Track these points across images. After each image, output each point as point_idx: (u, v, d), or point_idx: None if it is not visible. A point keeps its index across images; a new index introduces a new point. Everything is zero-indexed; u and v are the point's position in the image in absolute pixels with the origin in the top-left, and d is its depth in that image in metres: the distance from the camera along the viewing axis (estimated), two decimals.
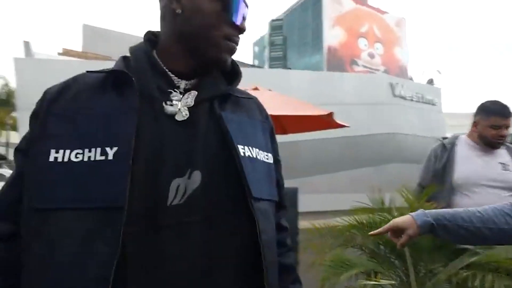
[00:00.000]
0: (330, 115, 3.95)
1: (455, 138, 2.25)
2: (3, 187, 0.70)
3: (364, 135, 9.91)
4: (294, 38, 51.27)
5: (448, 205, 1.97)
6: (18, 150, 0.70)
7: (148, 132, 0.64)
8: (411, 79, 25.76)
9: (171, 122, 0.67)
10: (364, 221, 1.98)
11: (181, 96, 0.70)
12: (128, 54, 0.75)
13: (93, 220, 0.58)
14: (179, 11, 0.69)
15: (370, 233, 1.33)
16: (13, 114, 19.53)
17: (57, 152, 0.62)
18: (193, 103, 0.70)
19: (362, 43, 47.60)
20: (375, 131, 10.18)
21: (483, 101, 2.11)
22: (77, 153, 0.61)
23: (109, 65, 0.73)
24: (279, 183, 0.86)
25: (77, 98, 0.67)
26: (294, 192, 3.99)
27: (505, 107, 2.05)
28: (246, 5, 0.74)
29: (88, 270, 0.56)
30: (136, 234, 0.59)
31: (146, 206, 0.61)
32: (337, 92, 10.04)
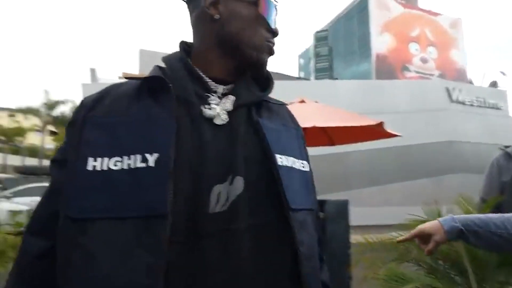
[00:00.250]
0: (380, 124, 3.84)
1: None
2: (41, 200, 0.69)
3: (419, 144, 9.38)
4: (340, 48, 50.52)
5: None
6: (54, 161, 0.69)
7: (187, 137, 0.63)
8: (470, 82, 23.97)
9: (210, 126, 0.66)
10: None
11: (219, 100, 0.69)
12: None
13: (135, 229, 0.56)
14: (217, 16, 0.70)
15: (397, 240, 1.29)
16: None
17: (95, 160, 0.60)
18: (231, 107, 0.69)
19: (413, 47, 45.43)
20: (431, 139, 9.57)
21: None
22: (116, 161, 0.60)
23: None
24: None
25: (114, 105, 0.66)
26: (344, 204, 3.90)
27: None
28: (276, 11, 0.76)
29: (133, 281, 0.54)
30: (177, 242, 0.57)
31: (187, 213, 0.59)
32: (388, 101, 9.67)
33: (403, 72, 43.51)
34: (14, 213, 5.86)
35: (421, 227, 1.18)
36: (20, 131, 32.42)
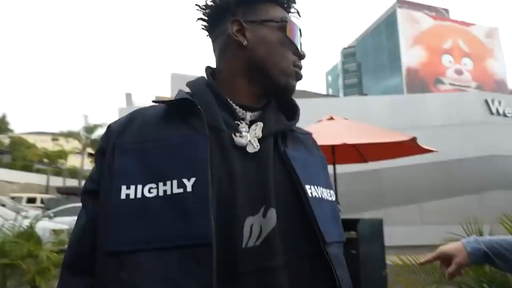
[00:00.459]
0: (413, 140, 3.72)
1: None
2: (75, 235, 0.66)
3: (458, 159, 8.91)
4: (369, 63, 49.90)
5: None
6: (86, 192, 0.66)
7: (218, 164, 0.60)
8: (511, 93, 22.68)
9: (240, 155, 0.63)
10: None
11: (248, 128, 0.67)
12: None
13: (180, 259, 0.53)
14: (245, 43, 0.69)
15: (419, 262, 1.21)
16: None
17: (128, 188, 0.57)
18: (261, 134, 0.67)
19: (446, 59, 44.03)
20: (470, 154, 9.07)
21: None
22: (151, 188, 0.57)
23: None
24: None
25: (143, 130, 0.64)
26: (379, 223, 3.77)
27: None
28: (301, 34, 0.76)
29: None
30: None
31: (221, 246, 0.54)
32: (421, 115, 9.35)
33: (436, 85, 42.08)
34: (56, 231, 6.17)
35: (443, 248, 1.10)
36: (62, 154, 34.53)
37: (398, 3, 45.67)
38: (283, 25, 0.72)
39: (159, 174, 0.58)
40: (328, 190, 0.73)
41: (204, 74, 0.76)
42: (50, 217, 9.81)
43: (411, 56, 42.92)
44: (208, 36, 0.77)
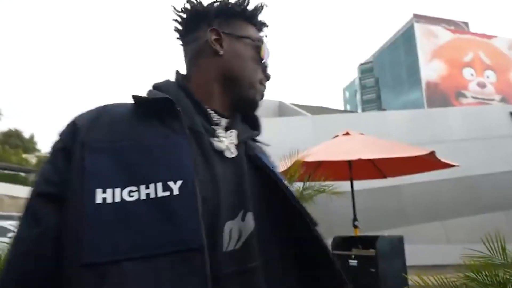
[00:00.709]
0: (432, 154, 3.63)
1: None
2: (19, 253, 0.54)
3: (482, 174, 8.56)
4: (387, 78, 49.48)
5: None
6: (41, 195, 0.56)
7: (201, 167, 0.59)
8: None
9: (219, 159, 0.63)
10: (486, 277, 1.70)
11: (225, 133, 0.68)
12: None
13: (170, 267, 0.50)
14: (221, 52, 0.71)
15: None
16: None
17: (104, 192, 0.52)
18: (237, 142, 0.68)
19: (467, 73, 43.11)
20: (496, 169, 8.70)
21: None
22: (130, 191, 0.52)
23: None
24: None
25: (115, 128, 0.59)
26: (398, 240, 3.64)
27: None
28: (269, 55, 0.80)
29: None
30: None
31: (208, 254, 0.53)
32: (442, 129, 9.11)
33: (458, 99, 41.10)
34: None
35: None
36: None
37: (415, 17, 45.49)
38: (258, 45, 0.75)
39: (139, 177, 0.54)
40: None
41: (171, 78, 0.74)
42: None
43: (430, 70, 42.30)
44: (179, 39, 0.78)
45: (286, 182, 0.70)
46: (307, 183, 3.85)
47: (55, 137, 0.62)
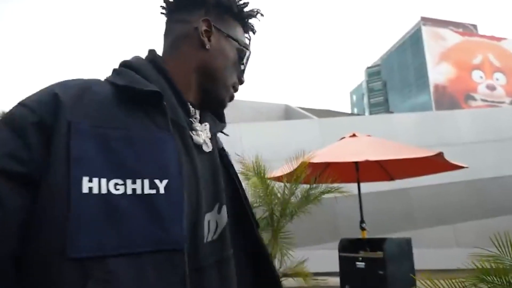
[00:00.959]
0: (440, 155, 3.59)
1: None
2: None
3: (493, 177, 8.44)
4: (395, 81, 49.20)
5: None
6: (4, 172, 0.48)
7: (185, 163, 0.58)
8: None
9: (197, 152, 0.64)
10: (495, 277, 1.67)
11: (201, 126, 0.68)
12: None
13: (153, 266, 0.49)
14: (208, 46, 0.70)
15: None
16: None
17: (90, 181, 0.48)
18: (210, 135, 0.69)
19: (476, 75, 42.66)
20: (505, 172, 8.58)
21: None
22: (116, 184, 0.50)
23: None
24: None
25: (100, 110, 0.54)
26: (406, 242, 3.60)
27: None
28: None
29: None
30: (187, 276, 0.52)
31: (190, 244, 0.55)
32: (450, 132, 9.02)
33: (467, 102, 40.66)
34: None
35: None
36: None
37: (423, 20, 45.25)
38: (242, 50, 0.75)
39: (126, 170, 0.51)
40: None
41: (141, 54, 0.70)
42: None
43: (438, 73, 41.96)
44: (164, 10, 0.74)
45: (242, 184, 0.76)
46: (313, 185, 3.84)
47: (18, 103, 0.53)
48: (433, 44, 43.58)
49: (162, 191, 0.52)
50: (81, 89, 0.55)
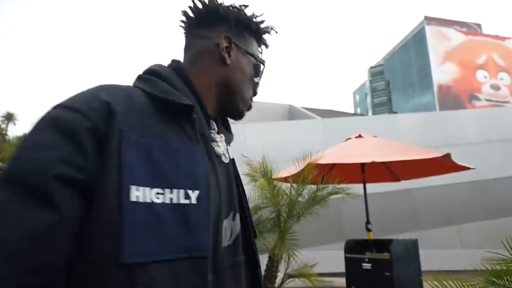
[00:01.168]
0: (447, 156, 3.58)
1: None
2: (25, 246, 0.44)
3: (499, 178, 8.40)
4: (398, 81, 49.01)
5: None
6: (62, 178, 0.47)
7: (210, 174, 0.62)
8: None
9: (219, 163, 0.68)
10: (507, 281, 1.68)
11: (219, 137, 0.73)
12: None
13: (184, 272, 0.53)
14: (228, 62, 0.73)
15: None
16: None
17: (137, 189, 0.50)
18: (226, 146, 0.74)
19: (481, 75, 42.44)
20: (511, 172, 8.54)
21: None
22: (157, 193, 0.52)
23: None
24: None
25: (144, 120, 0.56)
26: (413, 243, 3.59)
27: None
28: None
29: None
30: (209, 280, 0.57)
31: (212, 249, 0.59)
32: (454, 132, 8.98)
33: (471, 102, 40.45)
34: None
35: None
36: None
37: (426, 20, 45.04)
38: (259, 66, 0.79)
39: (165, 180, 0.54)
40: None
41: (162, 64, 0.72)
42: None
43: (442, 72, 41.76)
44: (185, 25, 0.76)
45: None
46: (320, 186, 3.85)
47: (61, 106, 0.52)
48: (437, 44, 43.37)
49: (194, 201, 0.56)
50: (126, 96, 0.57)
